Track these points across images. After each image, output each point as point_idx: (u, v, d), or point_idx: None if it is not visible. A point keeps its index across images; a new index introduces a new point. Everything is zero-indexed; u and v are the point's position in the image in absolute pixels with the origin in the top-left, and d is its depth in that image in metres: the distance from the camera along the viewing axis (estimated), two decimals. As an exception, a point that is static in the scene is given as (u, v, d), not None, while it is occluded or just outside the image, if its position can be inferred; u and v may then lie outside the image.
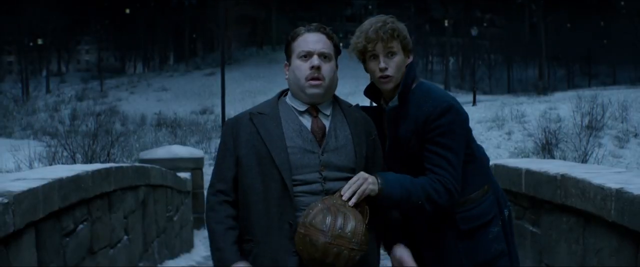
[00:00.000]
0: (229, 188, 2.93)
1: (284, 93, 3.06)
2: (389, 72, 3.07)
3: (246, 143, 2.91)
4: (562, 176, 4.12)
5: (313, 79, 2.88)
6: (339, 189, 2.83)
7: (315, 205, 2.78)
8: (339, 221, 2.71)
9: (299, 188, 2.84)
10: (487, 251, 3.23)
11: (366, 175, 2.86)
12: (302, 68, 2.89)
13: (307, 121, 2.94)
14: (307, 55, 2.89)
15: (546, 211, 4.52)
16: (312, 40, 2.91)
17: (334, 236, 2.70)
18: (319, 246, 2.70)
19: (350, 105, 3.07)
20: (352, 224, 2.72)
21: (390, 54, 3.06)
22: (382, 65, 3.05)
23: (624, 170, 4.28)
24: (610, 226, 3.54)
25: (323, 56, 2.90)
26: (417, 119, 3.03)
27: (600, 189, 3.59)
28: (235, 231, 2.90)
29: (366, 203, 2.85)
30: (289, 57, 2.97)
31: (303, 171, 2.85)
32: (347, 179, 2.87)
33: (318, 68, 2.88)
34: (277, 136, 2.88)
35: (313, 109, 2.94)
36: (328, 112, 2.97)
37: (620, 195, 3.38)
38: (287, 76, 2.98)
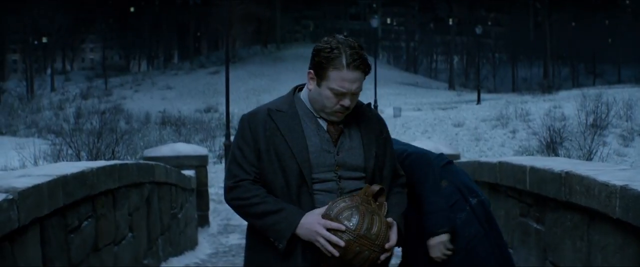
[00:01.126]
0: (253, 179, 2.91)
1: (298, 88, 3.05)
2: None
3: (265, 139, 2.89)
4: (567, 173, 4.11)
5: (340, 112, 2.89)
6: (365, 189, 2.85)
7: (343, 200, 2.80)
8: (366, 222, 2.75)
9: (316, 186, 2.86)
10: (462, 236, 3.36)
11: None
12: (332, 101, 2.85)
13: (323, 121, 2.95)
14: (342, 94, 2.84)
15: (550, 208, 4.51)
16: (349, 80, 2.80)
17: (358, 236, 2.74)
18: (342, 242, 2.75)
19: (363, 104, 3.07)
20: (377, 226, 2.78)
21: None
22: None
23: (629, 167, 4.28)
24: (615, 223, 3.53)
25: (354, 94, 2.87)
26: None
27: (605, 186, 3.57)
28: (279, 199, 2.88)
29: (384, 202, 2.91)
30: (320, 77, 2.85)
31: (320, 170, 2.87)
32: (360, 178, 2.91)
33: (347, 107, 2.87)
34: (298, 134, 2.88)
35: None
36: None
37: (624, 192, 3.37)
38: (310, 87, 2.92)
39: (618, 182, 3.47)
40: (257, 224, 2.88)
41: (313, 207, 2.84)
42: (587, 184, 3.82)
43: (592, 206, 3.76)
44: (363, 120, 2.99)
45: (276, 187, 2.87)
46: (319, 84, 2.86)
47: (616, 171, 3.96)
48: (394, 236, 2.88)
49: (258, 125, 2.91)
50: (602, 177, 3.69)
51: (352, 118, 2.97)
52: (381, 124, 3.07)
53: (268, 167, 2.87)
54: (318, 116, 2.94)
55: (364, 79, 2.88)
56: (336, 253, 2.74)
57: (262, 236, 2.89)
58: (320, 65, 2.83)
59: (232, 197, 2.93)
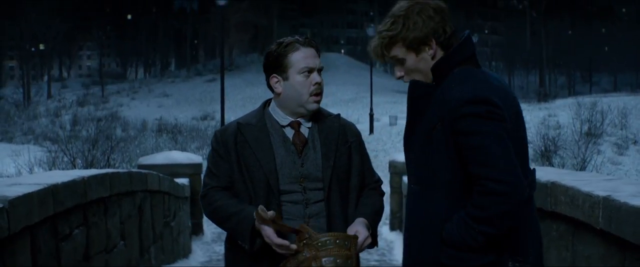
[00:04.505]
0: (223, 187, 3.00)
1: (268, 103, 3.12)
2: (406, 79, 2.70)
3: (235, 151, 2.98)
4: (552, 183, 4.16)
5: (316, 94, 2.97)
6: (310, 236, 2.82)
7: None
8: None
9: (284, 197, 2.94)
10: None
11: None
12: (305, 84, 2.94)
13: (289, 133, 3.02)
14: (310, 71, 2.95)
15: (539, 220, 4.55)
16: (310, 56, 2.95)
17: None
18: None
19: (331, 115, 3.12)
20: None
21: (398, 61, 2.67)
22: (397, 74, 2.72)
23: (614, 177, 4.32)
24: (599, 233, 3.57)
25: (319, 71, 2.99)
26: (443, 104, 2.53)
27: (589, 196, 3.62)
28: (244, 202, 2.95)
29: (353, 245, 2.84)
30: (283, 70, 2.96)
31: (286, 181, 2.95)
32: (321, 188, 2.96)
33: (319, 83, 2.97)
34: (266, 146, 2.97)
35: (295, 123, 3.01)
36: (309, 125, 3.04)
37: (607, 203, 3.42)
38: (279, 90, 2.99)
39: (601, 193, 3.52)
40: (226, 228, 2.97)
41: (280, 218, 2.89)
42: (571, 195, 3.87)
43: (577, 216, 3.80)
44: (324, 129, 3.04)
45: (245, 198, 2.95)
46: (286, 78, 2.96)
47: (601, 182, 4.00)
48: (362, 233, 2.89)
49: (228, 139, 3.00)
50: (587, 187, 3.73)
51: (316, 129, 3.03)
52: (349, 133, 3.10)
53: (238, 179, 2.97)
54: (286, 124, 3.00)
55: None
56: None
57: (237, 244, 2.96)
58: (279, 60, 2.95)
59: (204, 204, 3.03)
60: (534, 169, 2.75)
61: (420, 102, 2.66)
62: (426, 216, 2.60)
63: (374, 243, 3.01)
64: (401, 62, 2.66)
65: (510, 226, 2.50)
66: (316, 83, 2.94)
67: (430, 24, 2.60)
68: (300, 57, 2.93)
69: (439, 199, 2.57)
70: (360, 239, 2.87)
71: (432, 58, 2.63)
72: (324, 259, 2.73)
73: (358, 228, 2.91)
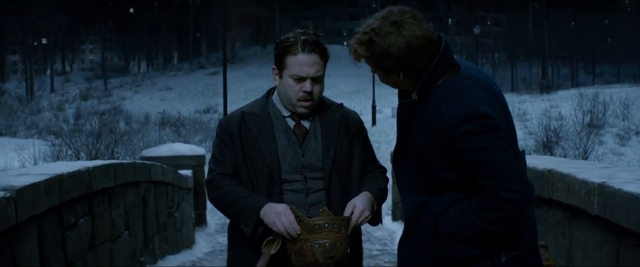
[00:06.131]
0: (231, 174, 3.04)
1: (272, 92, 3.16)
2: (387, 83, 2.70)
3: (239, 140, 3.03)
4: (549, 171, 4.23)
5: (305, 100, 2.99)
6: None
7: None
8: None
9: (285, 186, 2.99)
10: None
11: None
12: (294, 89, 2.97)
13: (291, 123, 3.07)
14: (301, 79, 2.96)
15: (534, 205, 4.61)
16: (306, 63, 2.92)
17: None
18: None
19: (333, 104, 3.15)
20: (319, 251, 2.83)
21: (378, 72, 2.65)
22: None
23: (609, 165, 4.39)
24: (594, 219, 3.64)
25: (315, 79, 2.98)
26: (435, 123, 2.51)
27: (584, 183, 3.69)
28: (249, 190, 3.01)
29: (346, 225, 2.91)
30: (280, 68, 3.00)
31: (288, 171, 3.00)
32: (322, 178, 3.01)
33: (310, 92, 2.97)
34: (268, 136, 3.01)
35: (296, 115, 3.06)
36: (310, 116, 3.07)
37: (602, 189, 3.48)
38: (276, 83, 3.06)
39: (596, 180, 3.58)
40: (229, 212, 3.01)
41: None
42: (568, 182, 3.93)
43: (573, 202, 3.87)
44: (326, 119, 3.08)
45: (248, 186, 3.00)
46: (281, 76, 3.00)
47: (597, 169, 4.07)
48: (358, 207, 2.94)
49: (233, 128, 3.04)
50: (582, 174, 3.80)
51: (318, 119, 3.07)
52: (351, 122, 3.13)
53: (242, 167, 3.01)
54: (288, 115, 3.05)
55: (324, 64, 3.00)
56: (288, 235, 2.84)
57: (239, 232, 2.99)
58: (279, 56, 2.98)
59: (210, 189, 3.07)
60: (523, 151, 2.78)
61: (407, 119, 2.67)
62: (424, 216, 2.64)
63: (377, 220, 3.06)
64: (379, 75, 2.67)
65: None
66: (305, 91, 2.95)
67: (401, 59, 2.54)
68: (295, 63, 2.93)
69: (437, 201, 2.62)
70: (356, 213, 2.92)
71: (400, 83, 2.64)
72: (313, 242, 2.81)
73: (356, 203, 2.95)
